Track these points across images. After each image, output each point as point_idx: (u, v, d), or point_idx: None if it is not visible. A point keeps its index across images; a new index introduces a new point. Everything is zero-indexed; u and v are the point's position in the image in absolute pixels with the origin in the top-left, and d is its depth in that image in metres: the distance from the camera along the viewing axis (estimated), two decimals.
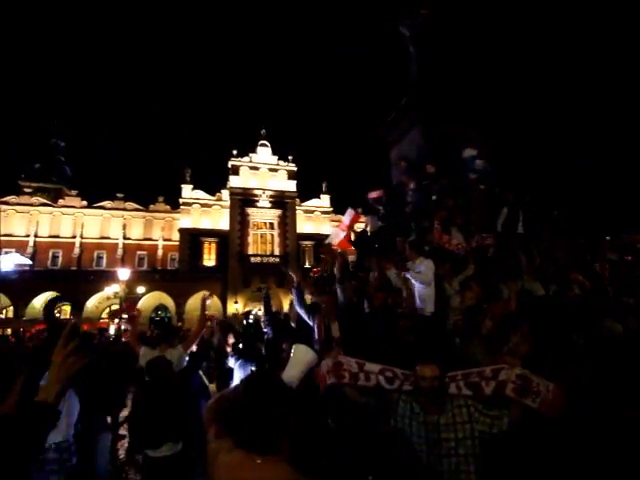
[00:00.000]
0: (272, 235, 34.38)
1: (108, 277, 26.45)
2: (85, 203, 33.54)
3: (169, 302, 30.93)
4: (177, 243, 33.28)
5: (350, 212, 7.11)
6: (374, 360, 2.50)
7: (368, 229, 7.68)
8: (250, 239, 33.48)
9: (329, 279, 5.50)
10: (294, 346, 2.19)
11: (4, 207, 31.35)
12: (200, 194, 34.28)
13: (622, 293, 4.16)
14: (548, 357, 2.74)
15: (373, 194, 7.39)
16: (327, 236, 34.16)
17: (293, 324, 5.08)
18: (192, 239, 32.77)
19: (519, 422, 1.94)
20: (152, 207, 35.11)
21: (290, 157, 36.00)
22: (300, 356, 2.04)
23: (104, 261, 32.73)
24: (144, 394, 3.36)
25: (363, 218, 7.37)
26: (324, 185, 37.74)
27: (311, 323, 4.15)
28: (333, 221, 37.61)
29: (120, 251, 32.88)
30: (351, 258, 7.15)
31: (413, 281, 3.98)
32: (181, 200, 33.62)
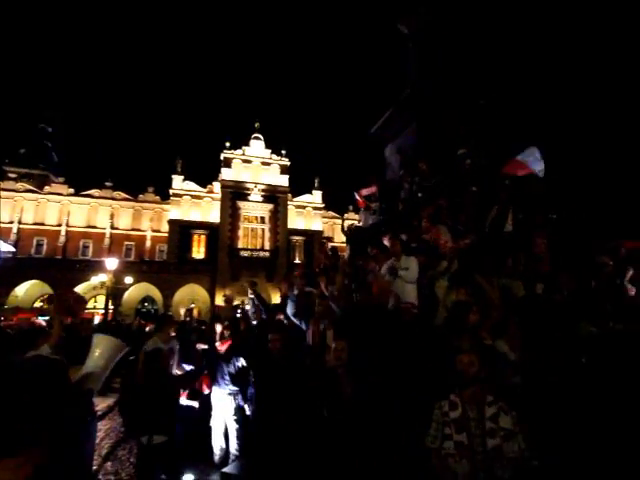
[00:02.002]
0: (263, 229, 34.23)
1: (94, 267, 26.03)
2: (72, 191, 32.84)
3: (156, 294, 30.60)
4: (166, 234, 32.88)
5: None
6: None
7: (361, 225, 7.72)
8: (240, 233, 33.29)
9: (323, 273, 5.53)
10: (94, 336, 2.10)
11: None
12: (191, 185, 33.90)
13: (603, 297, 4.29)
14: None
15: (365, 191, 7.45)
16: (318, 232, 34.11)
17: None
18: (182, 231, 32.42)
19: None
20: (141, 197, 34.58)
21: (283, 151, 35.82)
22: (101, 347, 1.94)
23: (90, 250, 32.17)
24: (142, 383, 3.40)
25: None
26: (316, 181, 37.67)
27: (304, 327, 4.17)
28: (324, 217, 37.64)
29: (107, 241, 32.36)
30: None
31: (402, 278, 4.03)
32: (171, 191, 33.19)
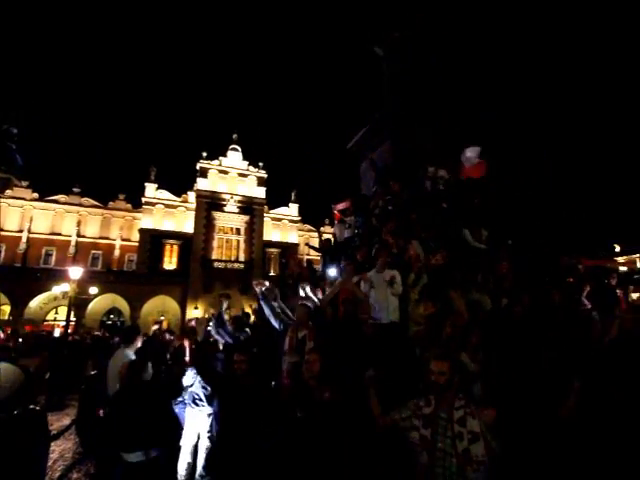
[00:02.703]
0: (238, 241, 33.80)
1: (56, 276, 24.72)
2: (36, 195, 31.28)
3: (124, 305, 29.35)
4: (136, 244, 31.79)
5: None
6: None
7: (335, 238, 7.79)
8: (215, 243, 32.72)
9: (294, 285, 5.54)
10: None
11: None
12: (165, 194, 33.15)
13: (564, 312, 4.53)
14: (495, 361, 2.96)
15: (340, 205, 7.56)
16: (294, 245, 34.17)
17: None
18: (153, 240, 31.47)
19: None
20: (111, 204, 33.41)
21: (260, 163, 35.85)
22: None
23: (53, 259, 30.54)
24: (120, 397, 3.24)
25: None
26: (293, 194, 37.80)
27: (277, 326, 4.13)
28: (301, 230, 37.69)
29: (72, 249, 30.84)
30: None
31: (389, 290, 4.08)
32: (144, 199, 32.30)
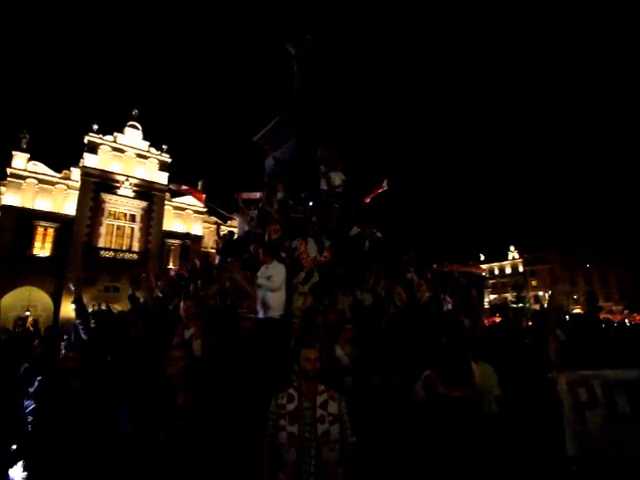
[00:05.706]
0: (132, 228, 30.50)
1: None
2: None
3: None
4: None
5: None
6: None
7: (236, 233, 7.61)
8: (103, 230, 28.93)
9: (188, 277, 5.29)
10: None
11: None
12: (40, 167, 28.03)
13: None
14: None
15: (246, 195, 7.41)
16: (198, 237, 32.17)
17: None
18: (20, 221, 26.34)
19: None
20: None
21: (164, 146, 32.96)
22: None
23: None
24: None
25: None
26: (200, 183, 35.59)
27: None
28: (206, 222, 35.71)
29: None
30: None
31: (263, 286, 4.10)
32: (10, 170, 26.82)
